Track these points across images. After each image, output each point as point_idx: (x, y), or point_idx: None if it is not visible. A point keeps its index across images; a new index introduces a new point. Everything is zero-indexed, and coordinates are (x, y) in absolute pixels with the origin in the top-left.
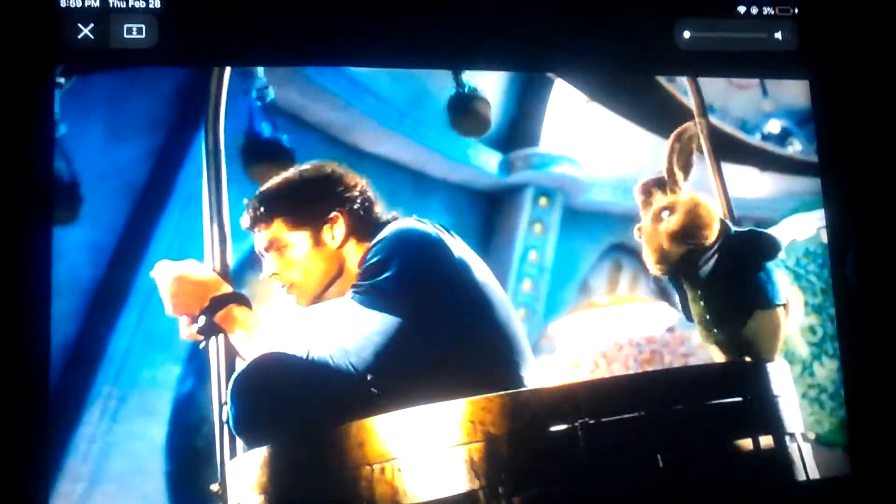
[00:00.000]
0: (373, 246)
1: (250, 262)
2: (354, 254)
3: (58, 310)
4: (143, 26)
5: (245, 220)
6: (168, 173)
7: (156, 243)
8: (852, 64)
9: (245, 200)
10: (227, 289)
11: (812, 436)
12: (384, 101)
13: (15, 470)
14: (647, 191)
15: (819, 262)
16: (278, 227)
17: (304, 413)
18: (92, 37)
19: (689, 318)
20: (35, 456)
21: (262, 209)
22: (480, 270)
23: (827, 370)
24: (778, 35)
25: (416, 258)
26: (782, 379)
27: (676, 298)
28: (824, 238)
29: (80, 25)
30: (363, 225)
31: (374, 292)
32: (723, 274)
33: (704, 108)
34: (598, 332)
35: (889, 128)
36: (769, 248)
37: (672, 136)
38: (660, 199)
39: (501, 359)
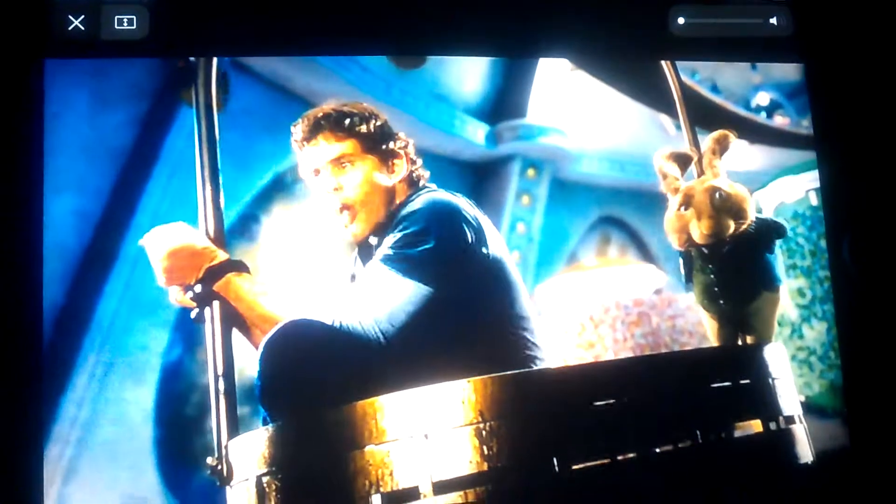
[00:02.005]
0: (410, 212)
1: (237, 230)
2: (399, 197)
3: (45, 276)
4: (133, 17)
5: (299, 132)
6: (155, 138)
7: (142, 209)
8: (848, 49)
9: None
10: (222, 256)
11: (802, 398)
12: (369, 70)
13: (7, 434)
14: (677, 160)
15: (808, 224)
16: (353, 145)
17: (330, 381)
18: (82, 28)
19: (688, 284)
20: (28, 420)
21: (338, 122)
22: (509, 260)
23: (816, 332)
24: (773, 20)
25: (454, 233)
26: (780, 361)
27: (680, 261)
28: (813, 200)
29: (70, 17)
30: (412, 176)
31: (410, 262)
32: (742, 254)
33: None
34: (584, 294)
35: (885, 112)
36: (781, 231)
37: (711, 139)
38: (687, 185)
39: (521, 339)
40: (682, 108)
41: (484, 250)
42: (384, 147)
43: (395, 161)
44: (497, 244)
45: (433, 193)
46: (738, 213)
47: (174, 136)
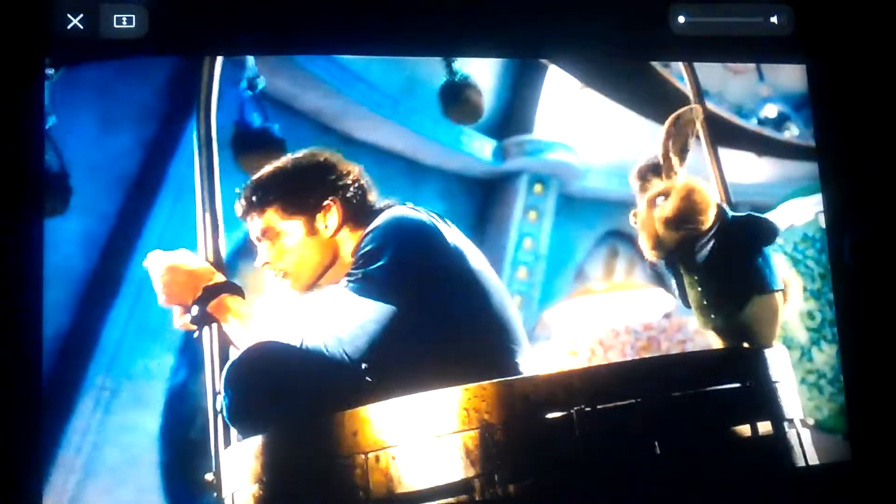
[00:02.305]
0: (367, 234)
1: (243, 251)
2: (349, 241)
3: (49, 301)
4: (132, 16)
5: (238, 209)
6: (159, 163)
7: (148, 233)
8: (848, 48)
9: (237, 189)
10: (219, 278)
11: (811, 421)
12: (376, 88)
13: (9, 462)
14: (643, 176)
15: (817, 246)
16: (271, 216)
17: (297, 402)
18: (81, 27)
19: (686, 303)
20: (29, 448)
21: (254, 197)
22: (475, 258)
23: (826, 355)
24: (773, 19)
25: (409, 246)
26: (781, 365)
27: (673, 284)
28: (822, 223)
29: (69, 16)
30: (357, 213)
31: (367, 280)
32: (720, 259)
33: (700, 92)
34: (594, 318)
35: (886, 112)
36: (767, 232)
37: (668, 121)
38: (656, 185)
39: (497, 346)
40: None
41: (445, 256)
42: (307, 203)
43: (324, 214)
44: (461, 247)
45: (392, 210)
46: (683, 219)
47: (179, 160)
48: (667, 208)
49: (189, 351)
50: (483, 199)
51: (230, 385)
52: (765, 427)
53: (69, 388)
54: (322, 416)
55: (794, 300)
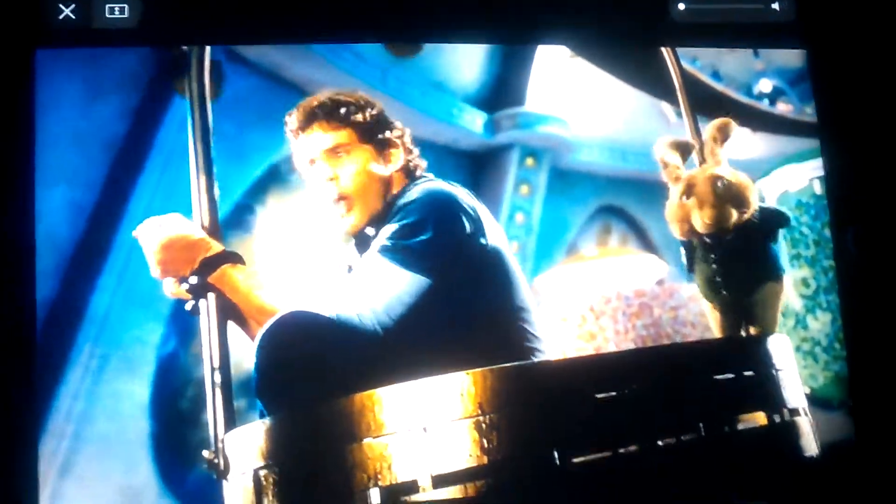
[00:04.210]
0: (408, 203)
1: (233, 221)
2: (396, 187)
3: (38, 269)
4: (125, 6)
5: (301, 118)
6: (148, 129)
7: (136, 200)
8: (850, 35)
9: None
10: (217, 248)
11: (807, 390)
12: (364, 59)
13: (2, 428)
14: (678, 148)
15: (812, 213)
16: (349, 135)
17: (329, 374)
18: (73, 17)
19: (690, 272)
20: (22, 414)
21: (333, 112)
22: (504, 242)
23: (821, 323)
24: (774, 6)
25: (452, 224)
26: (784, 353)
27: (682, 250)
28: (817, 189)
29: (61, 5)
30: (409, 166)
31: (408, 253)
32: (742, 243)
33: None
34: (585, 285)
35: (887, 98)
36: (784, 222)
37: (713, 127)
38: (689, 173)
39: (518, 340)
40: (683, 95)
41: (482, 241)
42: (380, 136)
43: (392, 151)
44: (496, 234)
45: (431, 183)
46: (740, 201)
47: (167, 127)
48: (706, 216)
49: (179, 320)
50: (474, 173)
51: (263, 354)
52: (768, 415)
53: (58, 355)
54: (339, 396)
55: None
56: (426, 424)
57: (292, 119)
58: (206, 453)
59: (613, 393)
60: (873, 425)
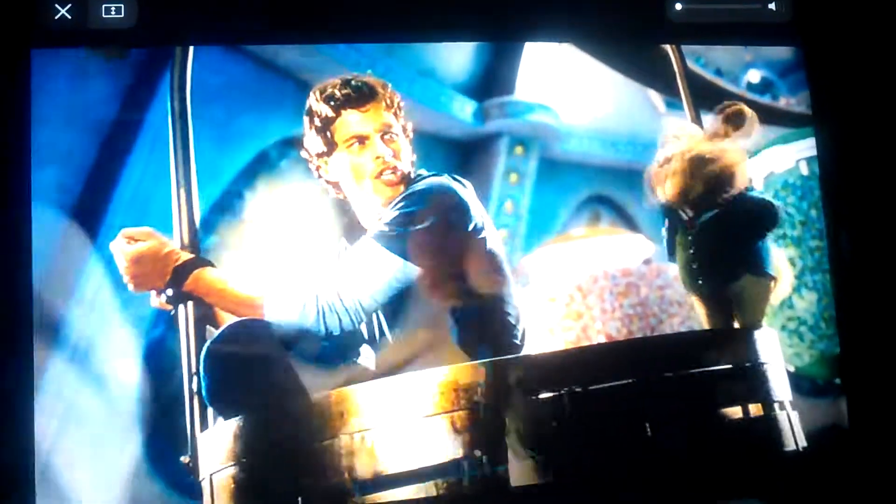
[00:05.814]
0: (409, 194)
1: (221, 207)
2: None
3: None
4: (121, 5)
5: (359, 93)
6: (136, 111)
7: (124, 182)
8: (845, 34)
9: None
10: (186, 256)
11: (791, 368)
12: (354, 47)
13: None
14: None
15: (798, 194)
16: (395, 121)
17: (276, 382)
18: (69, 17)
19: (671, 253)
20: (20, 391)
21: (392, 97)
22: (501, 245)
23: (806, 302)
24: (771, 6)
25: (452, 218)
26: (770, 347)
27: (664, 232)
28: (803, 170)
29: (56, 6)
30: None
31: (404, 240)
32: (722, 229)
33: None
34: (572, 264)
35: (883, 97)
36: (774, 219)
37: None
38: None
39: (504, 328)
40: (684, 87)
41: (482, 240)
42: (404, 128)
43: (410, 144)
44: (494, 234)
45: (435, 178)
46: (713, 182)
47: (155, 108)
48: (707, 166)
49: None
50: (463, 161)
51: (208, 365)
52: (755, 409)
53: (49, 336)
54: (306, 396)
55: (781, 291)
56: (401, 420)
57: (339, 91)
58: (183, 458)
59: (597, 386)
60: (865, 407)
